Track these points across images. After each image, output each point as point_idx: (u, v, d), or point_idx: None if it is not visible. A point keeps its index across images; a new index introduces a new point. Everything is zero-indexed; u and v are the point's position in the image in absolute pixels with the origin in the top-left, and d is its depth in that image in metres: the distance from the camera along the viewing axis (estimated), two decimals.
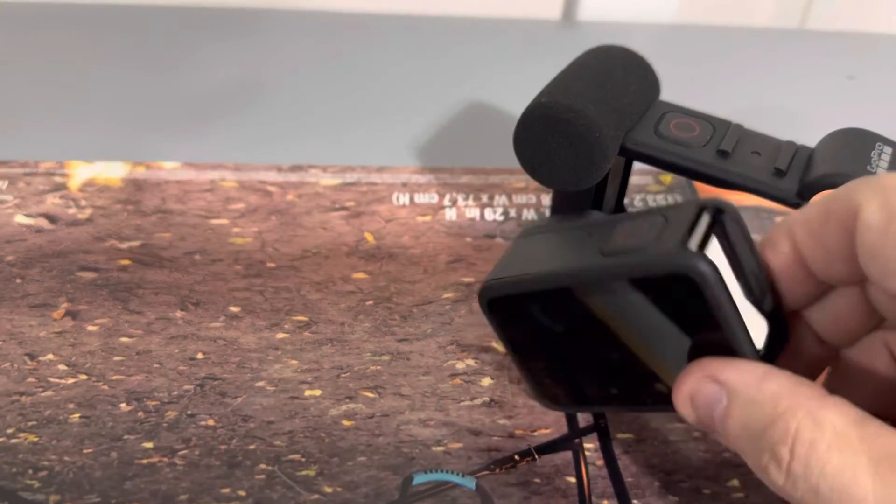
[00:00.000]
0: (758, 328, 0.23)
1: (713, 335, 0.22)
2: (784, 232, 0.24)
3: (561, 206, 0.36)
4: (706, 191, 0.42)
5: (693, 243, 0.21)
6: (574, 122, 0.30)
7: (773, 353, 0.23)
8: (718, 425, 0.22)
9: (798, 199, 0.30)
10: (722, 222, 0.22)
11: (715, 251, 0.22)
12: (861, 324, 0.26)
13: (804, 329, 0.27)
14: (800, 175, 0.30)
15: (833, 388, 0.26)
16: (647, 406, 0.27)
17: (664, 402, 0.25)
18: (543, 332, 0.26)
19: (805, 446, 0.20)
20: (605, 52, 0.34)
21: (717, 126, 0.32)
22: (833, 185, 0.29)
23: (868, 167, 0.29)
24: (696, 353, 0.23)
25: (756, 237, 0.24)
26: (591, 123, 0.30)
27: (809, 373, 0.27)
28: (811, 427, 0.20)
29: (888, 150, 0.30)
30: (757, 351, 0.23)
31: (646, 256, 0.22)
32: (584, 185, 0.32)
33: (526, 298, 0.26)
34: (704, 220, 0.22)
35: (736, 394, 0.22)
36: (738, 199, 0.41)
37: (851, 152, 0.30)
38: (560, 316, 0.26)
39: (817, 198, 0.25)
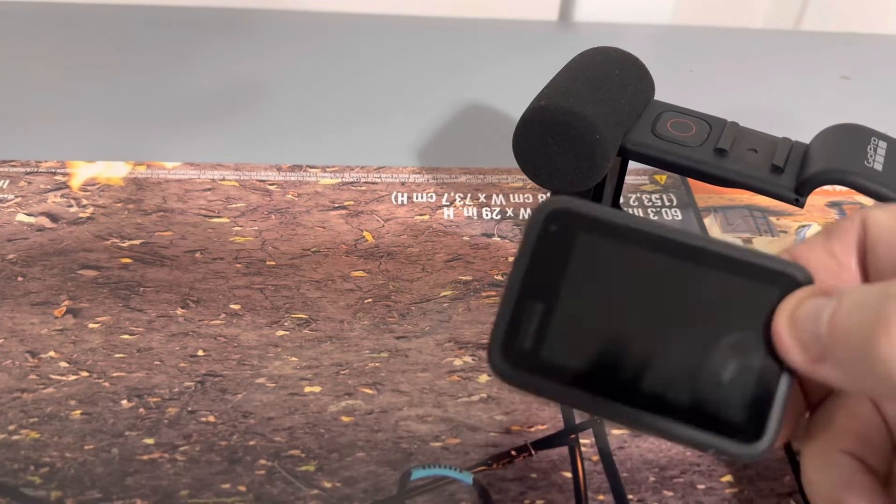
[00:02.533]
0: None
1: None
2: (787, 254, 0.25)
3: None
4: (702, 189, 0.42)
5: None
6: (574, 124, 0.31)
7: None
8: (824, 328, 0.21)
9: (796, 194, 0.30)
10: None
11: None
12: None
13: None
14: (797, 171, 0.31)
15: (814, 432, 0.26)
16: (635, 421, 0.23)
17: (656, 410, 0.23)
18: (581, 275, 0.23)
19: None
20: (600, 54, 0.35)
21: (714, 124, 0.33)
22: (831, 181, 0.30)
23: (865, 161, 0.29)
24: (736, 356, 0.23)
25: (748, 236, 0.25)
26: (590, 125, 0.31)
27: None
28: None
29: (883, 144, 0.31)
30: None
31: (764, 255, 0.23)
32: (584, 187, 0.32)
33: (601, 231, 0.23)
34: None
35: (848, 291, 0.21)
36: (732, 197, 0.42)
37: (848, 147, 0.30)
38: (620, 270, 0.23)
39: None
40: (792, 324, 0.22)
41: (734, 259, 0.23)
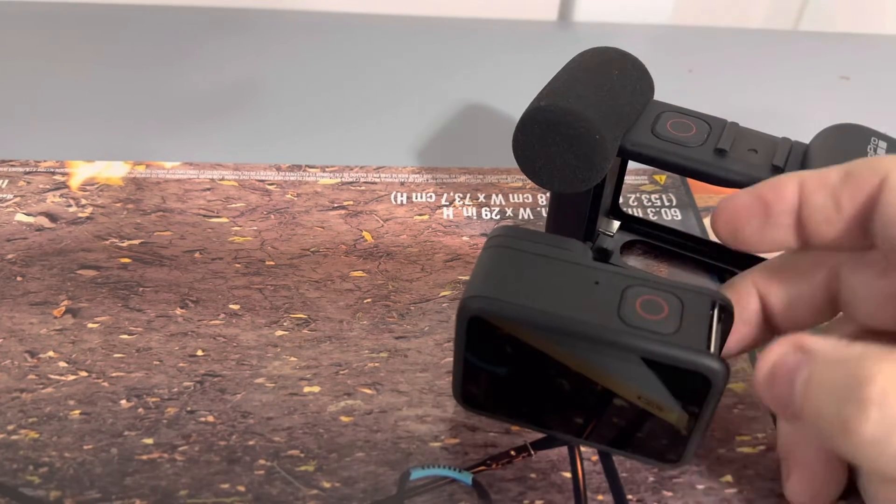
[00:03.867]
0: None
1: (690, 406, 0.25)
2: (794, 179, 0.24)
3: (558, 208, 0.37)
4: (702, 189, 0.42)
5: (714, 346, 0.24)
6: (574, 124, 0.31)
7: None
8: (798, 395, 0.21)
9: None
10: (724, 315, 0.25)
11: (719, 345, 0.25)
12: (817, 314, 0.27)
13: (756, 310, 0.28)
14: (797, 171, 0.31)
15: None
16: (577, 439, 0.29)
17: (600, 440, 0.28)
18: (509, 355, 0.26)
19: None
20: (600, 54, 0.35)
21: (713, 125, 0.33)
22: None
23: None
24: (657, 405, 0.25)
25: None
26: (590, 126, 0.31)
27: (744, 348, 0.29)
28: None
29: (883, 144, 0.31)
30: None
31: (673, 348, 0.24)
32: (584, 188, 0.32)
33: (518, 326, 0.25)
34: (716, 316, 0.25)
35: (822, 357, 0.21)
36: None
37: (848, 147, 0.30)
38: (542, 349, 0.25)
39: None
40: (769, 386, 0.22)
41: (649, 351, 0.24)
